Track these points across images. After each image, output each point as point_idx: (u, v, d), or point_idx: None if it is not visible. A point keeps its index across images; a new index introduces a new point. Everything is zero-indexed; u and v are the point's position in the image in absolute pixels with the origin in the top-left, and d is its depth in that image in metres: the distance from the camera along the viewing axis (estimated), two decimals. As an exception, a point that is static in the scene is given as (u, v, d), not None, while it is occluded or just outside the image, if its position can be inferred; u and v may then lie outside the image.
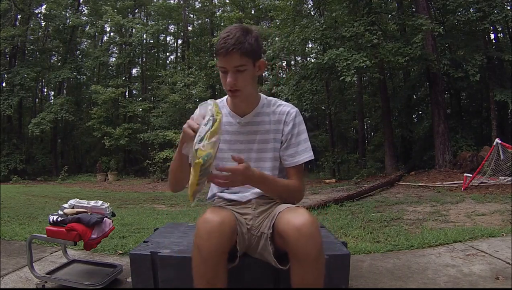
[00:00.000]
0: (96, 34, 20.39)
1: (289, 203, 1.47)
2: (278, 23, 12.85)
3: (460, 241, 2.79)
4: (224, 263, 1.28)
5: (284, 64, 15.69)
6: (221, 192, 1.65)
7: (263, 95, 1.60)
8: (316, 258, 1.22)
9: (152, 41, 20.60)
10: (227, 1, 19.71)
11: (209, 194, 1.71)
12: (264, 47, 14.51)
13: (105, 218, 2.05)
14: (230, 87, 1.41)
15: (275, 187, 1.45)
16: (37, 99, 19.92)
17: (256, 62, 1.44)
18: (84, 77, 19.74)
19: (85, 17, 19.06)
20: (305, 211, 1.29)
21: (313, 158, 1.54)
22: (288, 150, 1.53)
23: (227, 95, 1.58)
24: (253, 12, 19.12)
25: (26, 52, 17.68)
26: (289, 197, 1.51)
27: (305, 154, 1.52)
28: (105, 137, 15.29)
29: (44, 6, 17.46)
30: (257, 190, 1.55)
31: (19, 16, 16.88)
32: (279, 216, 1.36)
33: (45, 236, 1.97)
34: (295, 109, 1.58)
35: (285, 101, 1.65)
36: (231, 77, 1.39)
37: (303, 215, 1.26)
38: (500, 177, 7.01)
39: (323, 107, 15.08)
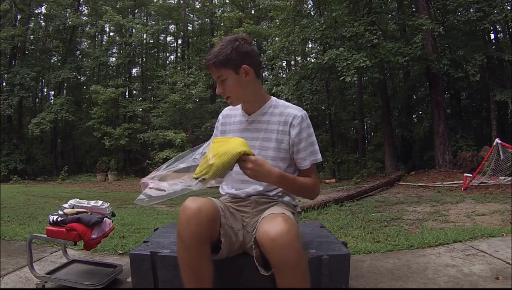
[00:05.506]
0: (96, 34, 20.38)
1: (307, 198, 1.61)
2: (278, 23, 12.83)
3: (460, 241, 2.78)
4: (206, 251, 1.31)
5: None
6: (226, 188, 1.69)
7: (273, 98, 1.66)
8: (296, 265, 1.22)
9: (152, 41, 20.59)
10: (227, 1, 19.70)
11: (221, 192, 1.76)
12: (264, 47, 14.50)
13: (105, 218, 2.05)
14: (221, 95, 1.57)
15: (293, 185, 1.52)
16: (37, 99, 19.90)
17: (239, 69, 1.50)
18: (84, 77, 19.74)
19: (85, 17, 19.04)
20: (281, 220, 1.27)
21: (321, 160, 1.62)
22: (300, 153, 1.58)
23: None
24: (253, 12, 19.12)
25: (26, 52, 17.65)
26: (306, 194, 1.60)
27: (314, 155, 1.59)
28: (105, 137, 15.27)
29: (44, 6, 17.47)
30: (258, 188, 1.59)
31: (19, 16, 16.85)
32: (259, 225, 1.37)
33: (45, 236, 1.97)
34: (303, 112, 1.61)
35: (285, 101, 1.69)
36: (218, 87, 1.55)
37: (278, 225, 1.24)
38: (500, 177, 7.01)
39: (323, 107, 15.06)
